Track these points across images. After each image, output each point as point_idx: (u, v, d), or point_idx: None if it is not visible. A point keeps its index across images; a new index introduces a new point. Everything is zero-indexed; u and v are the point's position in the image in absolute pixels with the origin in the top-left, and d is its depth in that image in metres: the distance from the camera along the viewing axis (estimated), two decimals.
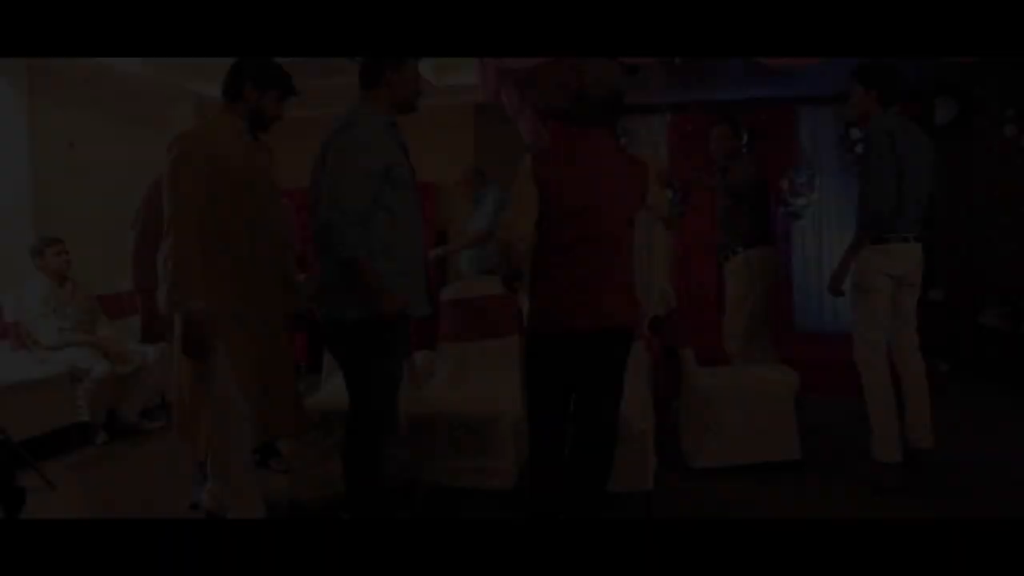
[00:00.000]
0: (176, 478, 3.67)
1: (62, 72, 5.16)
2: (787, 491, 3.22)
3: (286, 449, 3.45)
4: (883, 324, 3.30)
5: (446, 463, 3.04)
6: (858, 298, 3.33)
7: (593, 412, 2.48)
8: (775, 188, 6.35)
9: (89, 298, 4.61)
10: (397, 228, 2.44)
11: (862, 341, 3.32)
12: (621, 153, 2.59)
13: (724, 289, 4.31)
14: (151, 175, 6.41)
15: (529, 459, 2.53)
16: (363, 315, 2.37)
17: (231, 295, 2.47)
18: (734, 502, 3.13)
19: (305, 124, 3.69)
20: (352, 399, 2.52)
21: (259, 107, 2.50)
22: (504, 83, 4.83)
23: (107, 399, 4.39)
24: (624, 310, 2.43)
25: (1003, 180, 5.68)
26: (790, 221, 6.24)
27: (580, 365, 2.43)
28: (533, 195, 2.34)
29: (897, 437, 3.26)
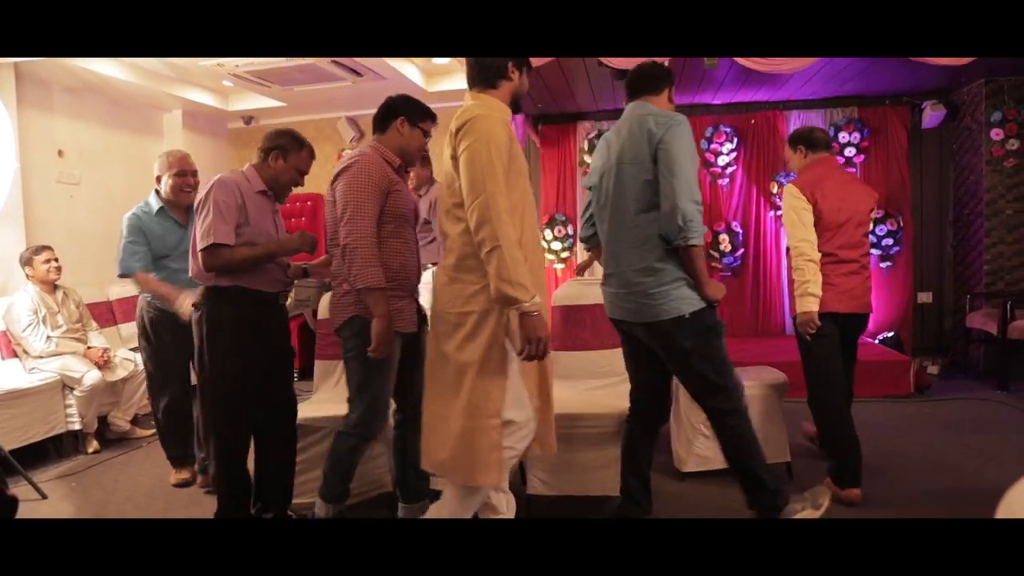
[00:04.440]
0: (169, 486, 3.66)
1: (51, 81, 5.16)
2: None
3: None
4: None
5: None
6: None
7: None
8: (765, 192, 6.42)
9: (79, 306, 4.60)
10: None
11: None
12: None
13: None
14: (141, 183, 6.38)
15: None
16: (700, 304, 2.44)
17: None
18: (724, 507, 3.14)
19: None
20: (707, 381, 2.48)
21: (520, 87, 2.34)
22: None
23: (98, 407, 4.39)
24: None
25: (990, 183, 5.73)
26: (780, 225, 6.28)
27: None
28: None
29: None
